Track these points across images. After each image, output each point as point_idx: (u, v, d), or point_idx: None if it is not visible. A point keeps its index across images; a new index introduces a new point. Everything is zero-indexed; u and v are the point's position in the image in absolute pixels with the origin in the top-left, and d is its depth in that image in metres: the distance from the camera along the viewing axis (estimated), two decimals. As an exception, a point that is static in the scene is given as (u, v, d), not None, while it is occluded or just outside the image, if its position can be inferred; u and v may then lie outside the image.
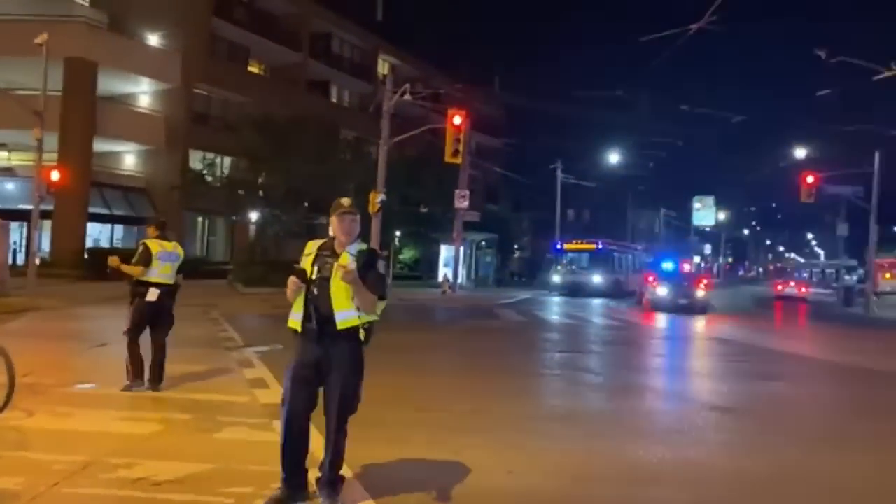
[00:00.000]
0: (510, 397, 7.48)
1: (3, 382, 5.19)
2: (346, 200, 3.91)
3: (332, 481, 3.79)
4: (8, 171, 28.45)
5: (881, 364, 11.89)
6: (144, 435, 5.07)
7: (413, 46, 43.44)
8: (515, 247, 48.14)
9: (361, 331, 3.74)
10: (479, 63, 47.56)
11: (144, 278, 6.50)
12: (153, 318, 6.61)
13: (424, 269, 38.00)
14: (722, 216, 74.71)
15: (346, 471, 3.95)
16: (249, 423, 5.49)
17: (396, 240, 33.13)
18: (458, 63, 43.74)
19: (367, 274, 3.71)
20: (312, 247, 3.89)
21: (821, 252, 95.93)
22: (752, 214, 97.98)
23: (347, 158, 30.45)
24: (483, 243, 37.30)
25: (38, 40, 17.75)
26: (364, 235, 19.74)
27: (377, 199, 21.82)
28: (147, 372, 6.54)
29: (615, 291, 30.38)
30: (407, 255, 38.69)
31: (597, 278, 30.93)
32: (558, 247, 33.93)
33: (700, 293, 22.44)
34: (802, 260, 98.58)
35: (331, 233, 3.88)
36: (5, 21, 26.03)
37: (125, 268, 6.54)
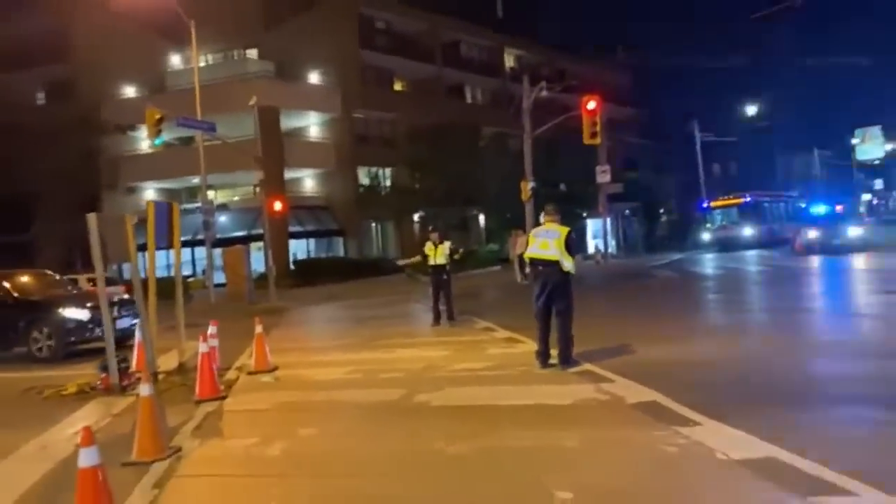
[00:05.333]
0: (688, 318, 10.06)
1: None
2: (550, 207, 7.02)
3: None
4: (223, 207, 34.80)
5: None
6: (445, 356, 8.42)
7: (535, 34, 45.61)
8: (661, 211, 48.65)
9: None
10: (599, 35, 48.76)
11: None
12: (437, 284, 11.24)
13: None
14: (890, 146, 68.38)
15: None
16: (501, 346, 8.67)
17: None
18: (580, 39, 45.37)
19: None
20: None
21: None
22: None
23: (490, 154, 33.57)
24: (628, 212, 38.80)
25: (251, 102, 22.65)
26: (518, 221, 22.80)
27: (528, 187, 24.62)
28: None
29: (769, 241, 30.77)
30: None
31: (748, 231, 31.49)
32: (705, 205, 34.70)
33: (853, 232, 22.83)
34: None
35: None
36: (204, 86, 32.08)
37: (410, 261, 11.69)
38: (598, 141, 22.90)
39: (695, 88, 47.78)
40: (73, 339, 11.04)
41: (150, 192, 36.50)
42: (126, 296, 12.19)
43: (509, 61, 46.20)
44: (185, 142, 33.21)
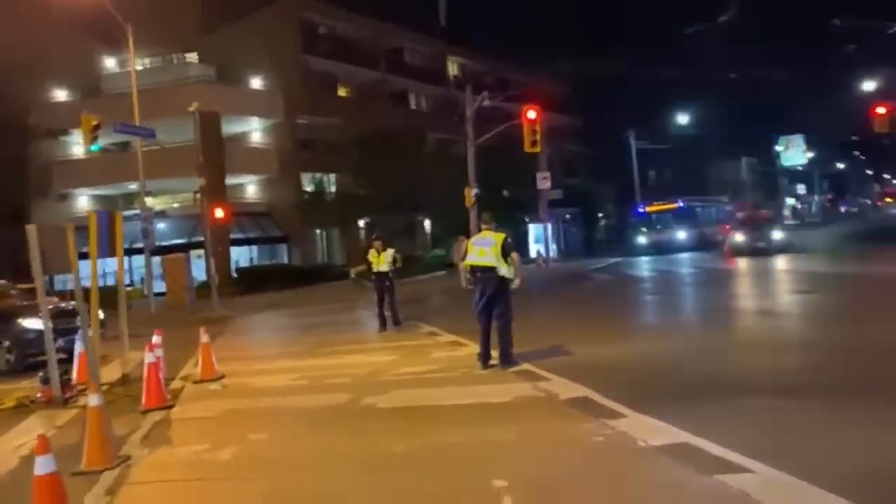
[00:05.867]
0: (622, 318, 10.61)
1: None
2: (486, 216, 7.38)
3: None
4: (161, 214, 33.96)
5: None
6: (390, 360, 8.67)
7: (477, 43, 46.43)
8: (600, 216, 50.16)
9: None
10: (539, 44, 50.10)
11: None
12: (381, 290, 11.61)
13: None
14: (811, 154, 72.32)
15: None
16: (445, 350, 8.99)
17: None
18: (520, 49, 46.47)
19: None
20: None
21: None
22: (854, 144, 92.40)
23: (435, 160, 33.98)
24: (568, 217, 39.92)
25: (191, 108, 22.30)
26: (463, 227, 23.20)
27: (472, 193, 25.08)
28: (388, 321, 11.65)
29: (700, 245, 32.26)
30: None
31: (681, 234, 32.95)
32: (640, 210, 36.09)
33: (777, 235, 24.30)
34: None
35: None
36: (142, 90, 31.31)
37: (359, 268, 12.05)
38: (538, 149, 23.54)
39: (631, 98, 49.65)
40: (32, 350, 10.37)
41: (83, 199, 35.29)
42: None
43: (453, 69, 46.81)
44: (121, 147, 32.28)
